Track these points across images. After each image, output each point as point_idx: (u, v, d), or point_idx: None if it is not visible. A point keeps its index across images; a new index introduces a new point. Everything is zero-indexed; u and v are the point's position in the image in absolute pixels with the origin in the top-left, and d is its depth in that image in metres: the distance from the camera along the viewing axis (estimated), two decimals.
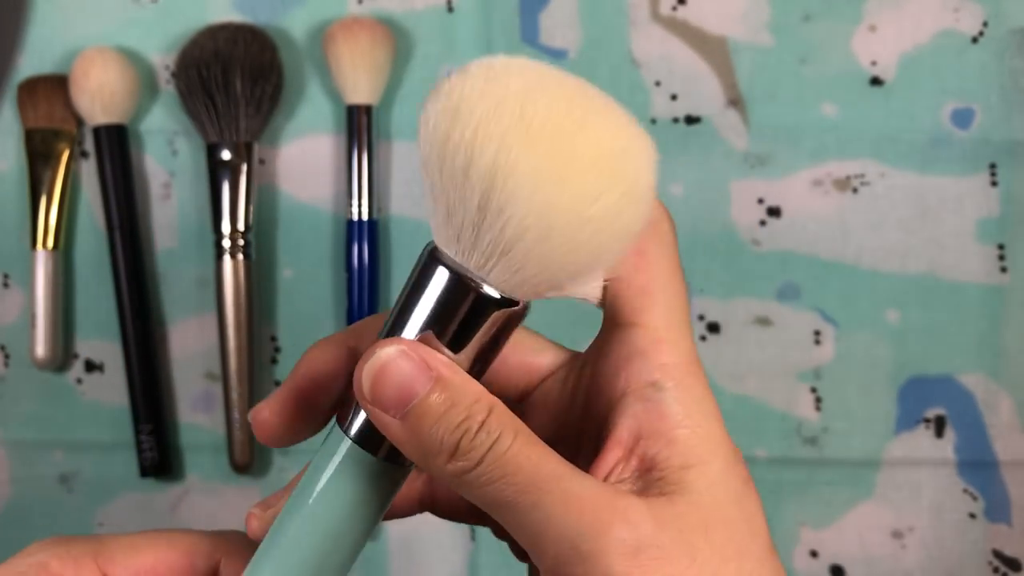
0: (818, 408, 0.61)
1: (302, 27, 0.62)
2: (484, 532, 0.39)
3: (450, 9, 0.62)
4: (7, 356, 0.62)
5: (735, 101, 0.62)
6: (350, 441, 0.31)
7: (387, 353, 0.29)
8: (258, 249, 0.62)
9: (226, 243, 0.60)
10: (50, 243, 0.61)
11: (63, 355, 0.62)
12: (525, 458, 0.29)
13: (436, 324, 0.30)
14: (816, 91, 0.61)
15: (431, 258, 0.30)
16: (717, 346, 0.61)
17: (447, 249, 0.30)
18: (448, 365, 0.30)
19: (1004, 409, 0.61)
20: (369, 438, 0.31)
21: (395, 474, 0.32)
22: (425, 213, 0.31)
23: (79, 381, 0.62)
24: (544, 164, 0.28)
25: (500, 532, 0.36)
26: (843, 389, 0.61)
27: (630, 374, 0.31)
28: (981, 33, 0.61)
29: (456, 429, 0.29)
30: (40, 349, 0.61)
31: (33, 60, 0.62)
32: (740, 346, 0.61)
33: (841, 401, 0.61)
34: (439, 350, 0.30)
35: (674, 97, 0.62)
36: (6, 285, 0.62)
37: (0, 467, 0.62)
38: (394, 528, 0.62)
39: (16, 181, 0.62)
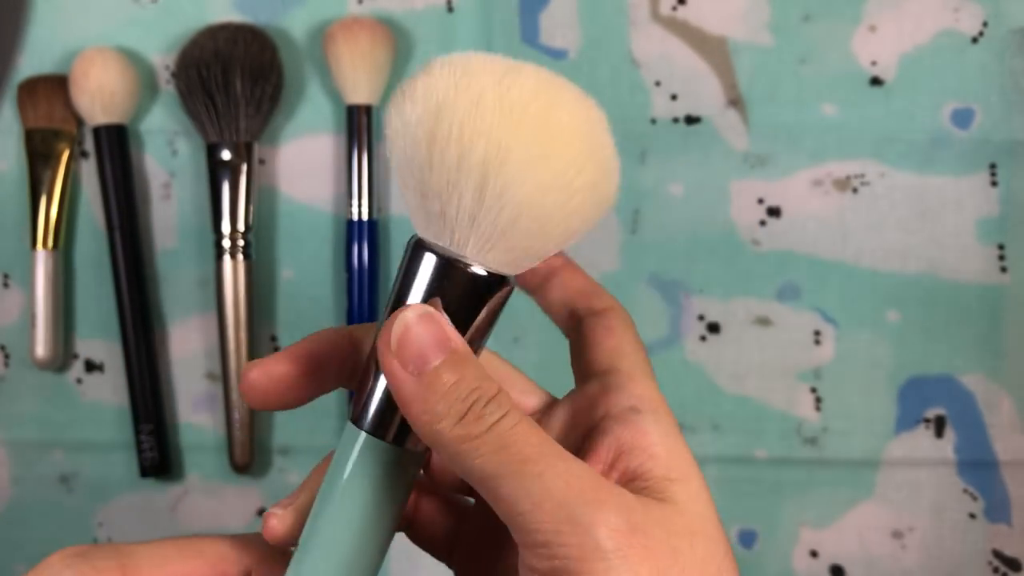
0: (818, 408, 0.61)
1: (302, 27, 0.62)
2: None
3: (450, 9, 0.62)
4: (7, 356, 0.62)
5: (735, 101, 0.62)
6: (365, 434, 0.32)
7: (417, 312, 0.31)
8: (258, 249, 0.62)
9: (226, 243, 0.60)
10: (50, 243, 0.61)
11: (63, 355, 0.62)
12: (532, 434, 0.30)
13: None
14: (816, 91, 0.61)
15: (419, 249, 0.31)
16: (717, 346, 0.61)
17: (439, 240, 0.31)
18: (464, 342, 0.31)
19: (1004, 409, 0.61)
20: (383, 426, 0.32)
21: (412, 459, 0.33)
22: (408, 209, 0.32)
23: (79, 381, 0.62)
24: (532, 146, 0.30)
25: (465, 554, 0.37)
26: (843, 389, 0.61)
27: (609, 403, 0.33)
28: (981, 33, 0.61)
29: (467, 396, 0.30)
30: (40, 349, 0.61)
31: (33, 60, 0.62)
32: (740, 346, 0.61)
33: (841, 401, 0.61)
34: None
35: (674, 97, 0.62)
36: (6, 285, 0.62)
37: (0, 467, 0.62)
38: None
39: (16, 181, 0.62)
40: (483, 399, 0.30)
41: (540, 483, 0.29)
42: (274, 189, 0.62)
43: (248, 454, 0.61)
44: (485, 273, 0.31)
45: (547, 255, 0.32)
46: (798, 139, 0.61)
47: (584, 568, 0.29)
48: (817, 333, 0.61)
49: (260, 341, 0.62)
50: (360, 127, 0.61)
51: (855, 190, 0.61)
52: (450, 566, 0.38)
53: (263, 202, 0.62)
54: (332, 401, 0.62)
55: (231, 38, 0.60)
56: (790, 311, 0.61)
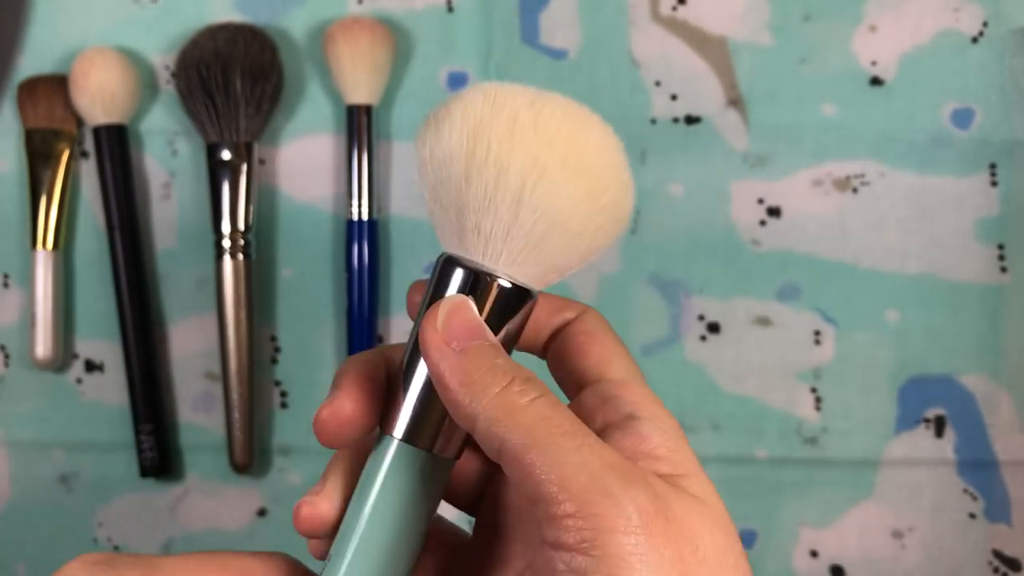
0: (818, 408, 0.61)
1: (302, 27, 0.62)
2: None
3: (450, 9, 0.62)
4: (7, 356, 0.62)
5: (735, 101, 0.62)
6: (398, 441, 0.34)
7: (463, 298, 0.33)
8: (258, 249, 0.62)
9: (226, 243, 0.60)
10: (50, 243, 0.61)
11: (63, 355, 0.62)
12: (568, 414, 0.31)
13: None
14: (816, 91, 0.61)
15: (450, 264, 0.33)
16: (717, 346, 0.61)
17: (472, 255, 0.33)
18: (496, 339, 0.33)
19: (1004, 409, 0.61)
20: (416, 434, 0.33)
21: (442, 465, 0.34)
22: (438, 228, 0.34)
23: (79, 381, 0.62)
24: (564, 164, 0.32)
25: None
26: (843, 389, 0.61)
27: (606, 413, 0.34)
28: (981, 33, 0.61)
29: (508, 372, 0.32)
30: (40, 349, 0.61)
31: (33, 60, 0.62)
32: (740, 346, 0.61)
33: (841, 401, 0.61)
34: None
35: (674, 97, 0.62)
36: (6, 285, 0.62)
37: (0, 467, 0.62)
38: None
39: (16, 181, 0.62)
40: (523, 377, 0.32)
41: (577, 456, 0.30)
42: (274, 189, 0.62)
43: (248, 454, 0.61)
44: (511, 286, 0.33)
45: (570, 271, 0.34)
46: (798, 139, 0.61)
47: (611, 540, 0.29)
48: (817, 333, 0.61)
49: (260, 341, 0.62)
50: (360, 127, 0.61)
51: (855, 190, 0.61)
52: (473, 515, 0.38)
53: (263, 202, 0.62)
54: None
55: (231, 38, 0.60)
56: (790, 311, 0.61)
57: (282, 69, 0.61)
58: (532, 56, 0.62)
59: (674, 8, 0.62)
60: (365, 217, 0.61)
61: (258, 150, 0.62)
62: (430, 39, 0.62)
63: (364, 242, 0.61)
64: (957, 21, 0.61)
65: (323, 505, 0.34)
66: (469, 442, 0.34)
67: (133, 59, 0.62)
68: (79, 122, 0.62)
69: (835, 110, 0.61)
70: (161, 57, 0.63)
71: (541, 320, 0.36)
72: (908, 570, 0.61)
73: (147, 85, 0.63)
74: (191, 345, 0.62)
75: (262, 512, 0.62)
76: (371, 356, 0.35)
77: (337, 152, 0.62)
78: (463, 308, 0.33)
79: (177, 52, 0.61)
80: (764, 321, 0.61)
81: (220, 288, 0.61)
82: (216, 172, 0.61)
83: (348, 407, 0.34)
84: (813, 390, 0.61)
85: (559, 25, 0.62)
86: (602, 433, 0.33)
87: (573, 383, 0.36)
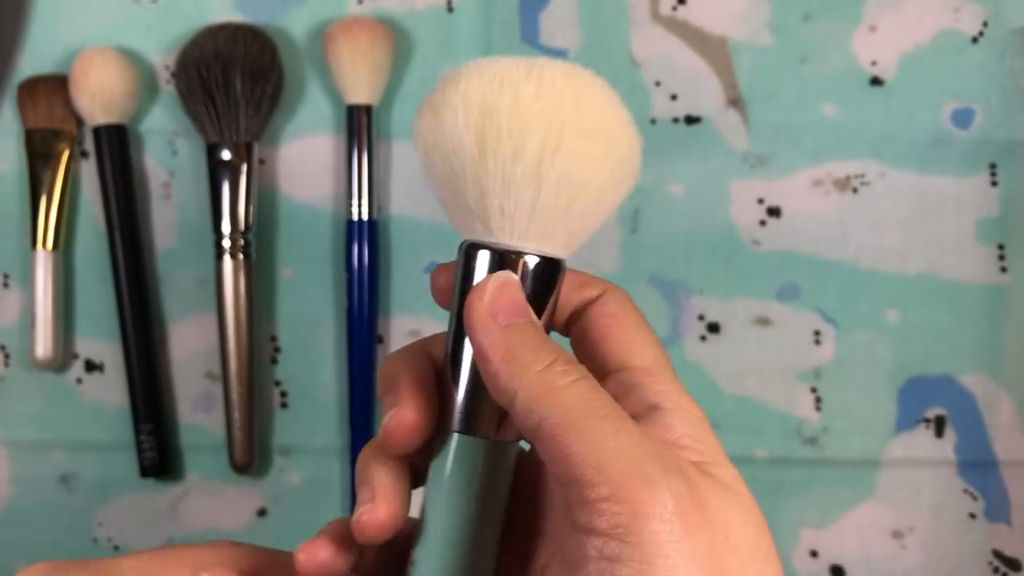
0: (818, 408, 0.61)
1: (302, 27, 0.62)
2: None
3: (450, 9, 0.62)
4: (7, 356, 0.62)
5: (735, 101, 0.62)
6: (457, 434, 0.33)
7: (509, 275, 0.33)
8: (258, 249, 0.62)
9: (226, 243, 0.60)
10: (50, 243, 0.61)
11: (63, 355, 0.62)
12: (609, 399, 0.31)
13: None
14: (816, 91, 0.61)
15: (473, 249, 0.33)
16: (717, 346, 0.61)
17: (498, 238, 0.33)
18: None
19: (1004, 409, 0.61)
20: (472, 422, 0.33)
21: (505, 450, 0.34)
22: (455, 217, 0.34)
23: (79, 381, 0.62)
24: (578, 128, 0.32)
25: None
26: (843, 389, 0.61)
27: (630, 403, 0.33)
28: (981, 33, 0.61)
29: (552, 351, 0.32)
30: (40, 349, 0.61)
31: (33, 60, 0.62)
32: (740, 346, 0.61)
33: (841, 401, 0.61)
34: None
35: (674, 97, 0.62)
36: (6, 285, 0.62)
37: (0, 467, 0.62)
38: None
39: (16, 181, 0.62)
40: (565, 358, 0.32)
41: (616, 440, 0.30)
42: (274, 189, 0.62)
43: (248, 454, 0.61)
44: (540, 259, 0.33)
45: (594, 231, 0.34)
46: (798, 139, 0.61)
47: (645, 527, 0.29)
48: (817, 333, 0.61)
49: (260, 341, 0.62)
50: (360, 127, 0.61)
51: (855, 190, 0.61)
52: None
53: (263, 202, 0.62)
54: (331, 401, 0.62)
55: (231, 38, 0.60)
56: (790, 311, 0.61)
57: (282, 69, 0.61)
58: (532, 56, 0.62)
59: (674, 8, 0.62)
60: (365, 217, 0.61)
61: (258, 150, 0.62)
62: (430, 39, 0.62)
63: (364, 242, 0.61)
64: (957, 21, 0.61)
65: (382, 511, 0.34)
66: None
67: (133, 59, 0.62)
68: (79, 122, 0.62)
69: (835, 110, 0.61)
70: (161, 57, 0.63)
71: (563, 296, 0.36)
72: (908, 570, 0.61)
73: (147, 85, 0.63)
74: (191, 345, 0.62)
75: (262, 512, 0.62)
76: (415, 354, 0.35)
77: (337, 152, 0.62)
78: (511, 286, 0.32)
79: (177, 52, 0.61)
80: (764, 321, 0.61)
81: (220, 288, 0.61)
82: (216, 172, 0.61)
83: (412, 414, 0.34)
84: (813, 390, 0.61)
85: (559, 25, 0.62)
86: None
87: (596, 368, 0.35)
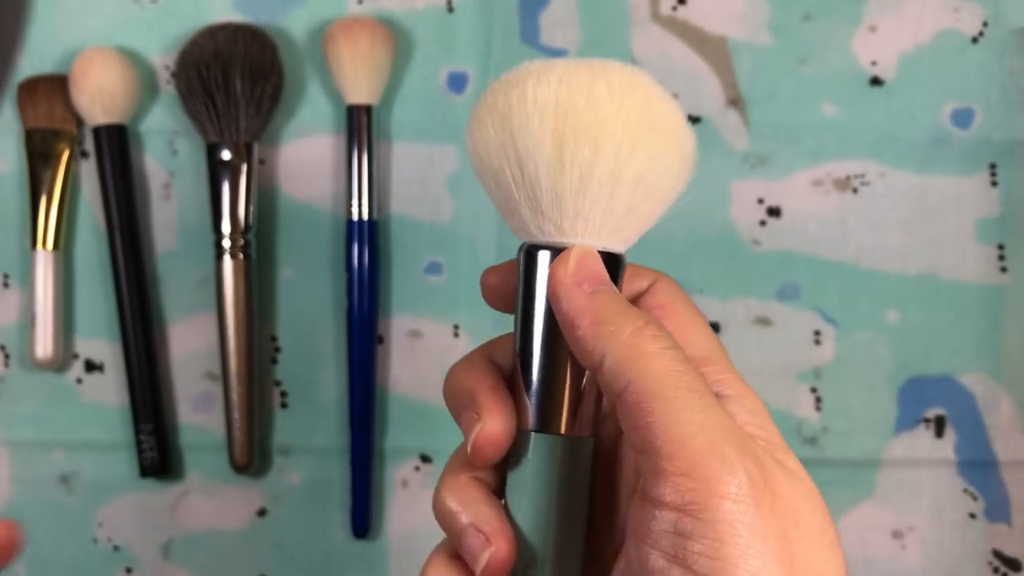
0: (818, 408, 0.61)
1: (302, 27, 0.62)
2: None
3: (450, 9, 0.62)
4: (7, 356, 0.62)
5: (735, 101, 0.62)
6: (533, 433, 0.34)
7: (591, 247, 0.33)
8: (258, 249, 0.62)
9: (226, 243, 0.60)
10: (50, 243, 0.61)
11: (63, 355, 0.62)
12: (696, 371, 0.31)
13: None
14: (816, 91, 0.61)
15: (535, 250, 0.34)
16: None
17: (570, 238, 0.33)
18: None
19: (1004, 409, 0.61)
20: (547, 420, 0.34)
21: (582, 446, 0.34)
22: (520, 219, 0.34)
23: (79, 381, 0.62)
24: (651, 129, 0.33)
25: None
26: (843, 389, 0.61)
27: None
28: (981, 33, 0.61)
29: (641, 317, 0.32)
30: (40, 349, 0.61)
31: (33, 60, 0.62)
32: (740, 346, 0.61)
33: (841, 401, 0.61)
34: None
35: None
36: (6, 285, 0.62)
37: (0, 467, 0.62)
38: (394, 528, 0.62)
39: (16, 181, 0.62)
40: (657, 324, 0.32)
41: (700, 416, 0.30)
42: (274, 189, 0.62)
43: (248, 454, 0.61)
44: (605, 255, 0.34)
45: (649, 225, 0.35)
46: (798, 139, 0.61)
47: (720, 506, 0.29)
48: (817, 333, 0.61)
49: (260, 341, 0.62)
50: (360, 127, 0.61)
51: (855, 190, 0.61)
52: None
53: (263, 202, 0.62)
54: (331, 401, 0.62)
55: (231, 38, 0.60)
56: (790, 311, 0.61)
57: (282, 69, 0.61)
58: (532, 56, 0.61)
59: (674, 8, 0.62)
60: (365, 217, 0.61)
61: (258, 150, 0.62)
62: (430, 39, 0.62)
63: (364, 242, 0.61)
64: (957, 21, 0.61)
65: (504, 546, 0.33)
66: (599, 417, 0.35)
67: (133, 59, 0.62)
68: (79, 122, 0.62)
69: (835, 110, 0.61)
70: (161, 57, 0.63)
71: None
72: (908, 570, 0.61)
73: (147, 85, 0.63)
74: (191, 345, 0.62)
75: (262, 512, 0.62)
76: (481, 363, 0.35)
77: (337, 152, 0.62)
78: (593, 257, 0.33)
79: (177, 52, 0.61)
80: (764, 321, 0.61)
81: (220, 288, 0.60)
82: (216, 172, 0.61)
83: (498, 426, 0.33)
84: (813, 390, 0.61)
85: (559, 25, 0.62)
86: None
87: None
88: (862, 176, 0.61)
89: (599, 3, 0.62)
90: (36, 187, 0.61)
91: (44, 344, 0.61)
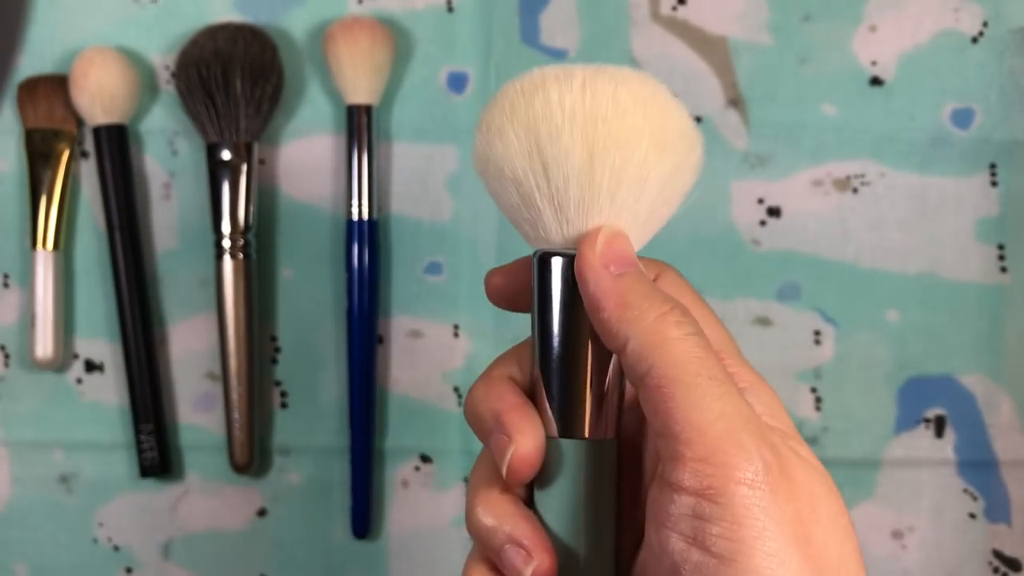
0: (818, 408, 0.61)
1: (302, 27, 0.62)
2: None
3: (450, 9, 0.62)
4: (7, 356, 0.62)
5: (735, 101, 0.62)
6: (559, 439, 0.34)
7: (620, 228, 0.33)
8: (258, 249, 0.62)
9: (226, 243, 0.60)
10: (50, 243, 0.61)
11: (63, 355, 0.62)
12: (718, 360, 0.32)
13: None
14: (816, 91, 0.61)
15: (548, 257, 0.34)
16: None
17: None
18: None
19: (1004, 409, 0.61)
20: (571, 425, 0.34)
21: (606, 448, 0.34)
22: (539, 227, 0.34)
23: (79, 381, 0.62)
24: (676, 134, 0.34)
25: None
26: (843, 389, 0.61)
27: None
28: (981, 33, 0.61)
29: (666, 301, 0.32)
30: (40, 349, 0.61)
31: (33, 60, 0.62)
32: (740, 346, 0.61)
33: (841, 401, 0.61)
34: None
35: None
36: (6, 285, 0.62)
37: (0, 467, 0.62)
38: (394, 528, 0.62)
39: (16, 181, 0.62)
40: (682, 309, 0.32)
41: (720, 403, 0.30)
42: (274, 189, 0.62)
43: (248, 454, 0.61)
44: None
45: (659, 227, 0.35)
46: (798, 139, 0.61)
47: (736, 491, 0.30)
48: (817, 333, 0.61)
49: (260, 341, 0.62)
50: (360, 127, 0.61)
51: (855, 190, 0.61)
52: None
53: (263, 202, 0.62)
54: (331, 401, 0.62)
55: (231, 38, 0.60)
56: (790, 311, 0.61)
57: (282, 69, 0.61)
58: (532, 56, 0.62)
59: (674, 8, 0.62)
60: (365, 217, 0.61)
61: (258, 150, 0.62)
62: (430, 39, 0.62)
63: (364, 242, 0.61)
64: (957, 21, 0.61)
65: (547, 559, 0.33)
66: (621, 418, 0.35)
67: (133, 59, 0.62)
68: (79, 122, 0.62)
69: (835, 110, 0.61)
70: (161, 57, 0.63)
71: None
72: (908, 570, 0.61)
73: (147, 85, 0.63)
74: (191, 345, 0.62)
75: (262, 512, 0.62)
76: (501, 382, 0.35)
77: (337, 152, 0.62)
78: (621, 237, 0.33)
79: (177, 52, 0.61)
80: (764, 321, 0.61)
81: (220, 288, 0.61)
82: (216, 172, 0.61)
83: (529, 446, 0.34)
84: (813, 390, 0.61)
85: (559, 25, 0.62)
86: None
87: None
88: (862, 176, 0.61)
89: (599, 3, 0.62)
90: (36, 187, 0.61)
91: (44, 344, 0.61)
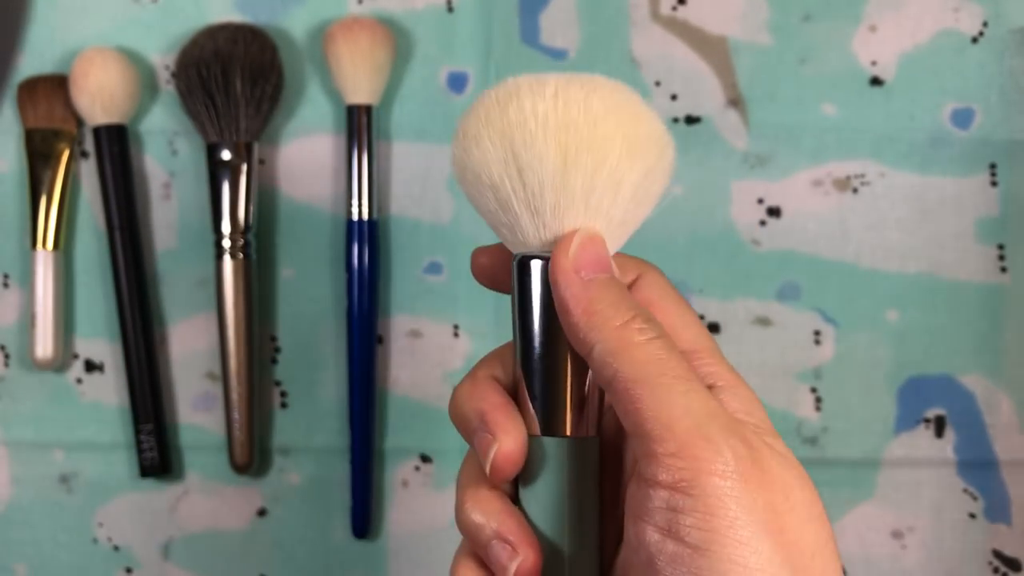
0: (818, 408, 0.61)
1: (302, 27, 0.62)
2: None
3: (450, 9, 0.62)
4: (7, 356, 0.62)
5: (735, 101, 0.62)
6: (541, 437, 0.35)
7: (595, 232, 0.34)
8: (258, 249, 0.62)
9: (226, 243, 0.60)
10: (50, 243, 0.61)
11: (63, 355, 0.62)
12: (683, 360, 0.33)
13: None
14: (816, 91, 0.61)
15: (527, 260, 0.35)
16: None
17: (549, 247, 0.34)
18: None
19: (1004, 409, 0.61)
20: (552, 424, 0.35)
21: (589, 445, 0.35)
22: (518, 232, 0.35)
23: (79, 381, 0.62)
24: (648, 140, 0.34)
25: None
26: (843, 389, 0.61)
27: None
28: (981, 33, 0.61)
29: (631, 308, 0.33)
30: (40, 349, 0.61)
31: (33, 60, 0.62)
32: (740, 346, 0.61)
33: (841, 401, 0.61)
34: None
35: (674, 97, 0.62)
36: (6, 285, 0.62)
37: (0, 467, 0.62)
38: (394, 528, 0.62)
39: (16, 181, 0.62)
40: (645, 316, 0.33)
41: (685, 399, 0.31)
42: (274, 189, 0.62)
43: (248, 454, 0.61)
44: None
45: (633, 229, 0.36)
46: (798, 139, 0.61)
47: (708, 482, 0.30)
48: (817, 333, 0.61)
49: (260, 341, 0.62)
50: (360, 127, 0.61)
51: (855, 190, 0.61)
52: None
53: (263, 202, 0.62)
54: (331, 401, 0.62)
55: (231, 38, 0.60)
56: (790, 311, 0.61)
57: (282, 69, 0.61)
58: (532, 56, 0.62)
59: (674, 8, 0.62)
60: (365, 217, 0.61)
61: (258, 150, 0.62)
62: (430, 39, 0.62)
63: (364, 242, 0.61)
64: (957, 21, 0.61)
65: (531, 554, 0.34)
66: (601, 416, 0.36)
67: (133, 59, 0.62)
68: (79, 122, 0.62)
69: (835, 110, 0.61)
70: (161, 57, 0.63)
71: None
72: (908, 570, 0.61)
73: (147, 85, 0.63)
74: (191, 345, 0.62)
75: (262, 512, 0.62)
76: (484, 383, 0.36)
77: (337, 152, 0.62)
78: (596, 241, 0.34)
79: (177, 52, 0.61)
80: (764, 321, 0.61)
81: (220, 288, 0.61)
82: (216, 172, 0.61)
83: (512, 443, 0.34)
84: (813, 390, 0.61)
85: (559, 25, 0.62)
86: None
87: None
88: (862, 176, 0.61)
89: (599, 3, 0.62)
90: (36, 187, 0.61)
91: (44, 344, 0.61)
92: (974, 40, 0.61)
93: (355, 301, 0.61)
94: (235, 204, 0.60)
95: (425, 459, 0.62)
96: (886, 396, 0.61)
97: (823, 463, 0.61)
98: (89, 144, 0.62)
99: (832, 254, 0.61)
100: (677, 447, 0.31)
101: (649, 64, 0.62)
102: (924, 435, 0.61)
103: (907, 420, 0.61)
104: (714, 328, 0.61)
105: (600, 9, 0.62)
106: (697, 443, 0.31)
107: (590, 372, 0.35)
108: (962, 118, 0.61)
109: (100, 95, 0.60)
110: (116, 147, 0.61)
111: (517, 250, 0.35)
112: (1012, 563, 0.61)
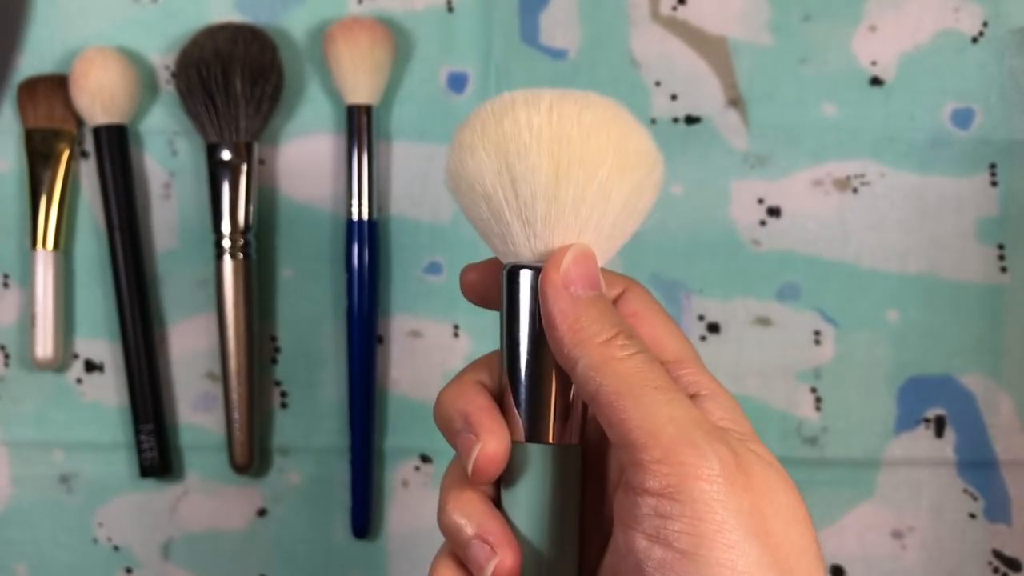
0: (818, 408, 0.61)
1: (302, 27, 0.62)
2: None
3: (450, 9, 0.62)
4: (7, 356, 0.62)
5: (735, 101, 0.62)
6: (525, 444, 0.35)
7: (587, 248, 0.35)
8: (258, 249, 0.62)
9: (226, 243, 0.60)
10: (50, 243, 0.61)
11: (63, 355, 0.62)
12: (664, 373, 0.34)
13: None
14: (816, 91, 0.61)
15: (517, 270, 0.35)
16: (717, 346, 0.61)
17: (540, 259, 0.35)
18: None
19: (1004, 409, 0.61)
20: (536, 431, 0.35)
21: (571, 453, 0.36)
22: (508, 242, 0.36)
23: (79, 381, 0.62)
24: (636, 153, 0.35)
25: None
26: (843, 389, 0.61)
27: None
28: (981, 33, 0.61)
29: (615, 326, 0.34)
30: (40, 349, 0.61)
31: (33, 60, 0.62)
32: (740, 346, 0.61)
33: (841, 401, 0.61)
34: None
35: (674, 97, 0.62)
36: (6, 285, 0.62)
37: (0, 467, 0.62)
38: (394, 528, 0.62)
39: (16, 181, 0.62)
40: (627, 332, 0.34)
41: (667, 408, 0.32)
42: (274, 189, 0.62)
43: (248, 454, 0.61)
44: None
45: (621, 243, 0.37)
46: (798, 139, 0.61)
47: (695, 487, 0.31)
48: (817, 333, 0.61)
49: (260, 341, 0.62)
50: (360, 127, 0.61)
51: (855, 190, 0.61)
52: None
53: (263, 202, 0.62)
54: (331, 401, 0.62)
55: (231, 38, 0.60)
56: (790, 311, 0.61)
57: (282, 69, 0.61)
58: (532, 56, 0.62)
59: (674, 8, 0.62)
60: (365, 217, 0.61)
61: (258, 150, 0.62)
62: (430, 39, 0.62)
63: (364, 242, 0.61)
64: (957, 21, 0.61)
65: (509, 555, 0.35)
66: (585, 425, 0.36)
67: (133, 59, 0.62)
68: (79, 122, 0.62)
69: (835, 110, 0.61)
70: (161, 57, 0.63)
71: None
72: (908, 570, 0.61)
73: (147, 85, 0.63)
74: (191, 345, 0.62)
75: (262, 512, 0.62)
76: (470, 386, 0.37)
77: (337, 152, 0.62)
78: (587, 257, 0.35)
79: (177, 52, 0.61)
80: (764, 321, 0.61)
81: (220, 288, 0.61)
82: (216, 172, 0.61)
83: (495, 445, 0.35)
84: (813, 390, 0.61)
85: (559, 25, 0.62)
86: None
87: None
88: (862, 176, 0.61)
89: (599, 3, 0.62)
90: (36, 187, 0.61)
91: (44, 344, 0.61)
92: (974, 40, 0.61)
93: (355, 301, 0.61)
94: (235, 204, 0.60)
95: (425, 459, 0.62)
96: (886, 396, 0.61)
97: (823, 463, 0.61)
98: (89, 144, 0.62)
99: (832, 254, 0.61)
100: (663, 454, 0.31)
101: (649, 64, 0.62)
102: (924, 435, 0.61)
103: (907, 420, 0.61)
104: (714, 328, 0.61)
105: (600, 9, 0.62)
106: (683, 449, 0.31)
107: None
108: (962, 118, 0.61)
109: (100, 95, 0.60)
110: (116, 147, 0.61)
111: (507, 260, 0.36)
112: (1012, 563, 0.61)
